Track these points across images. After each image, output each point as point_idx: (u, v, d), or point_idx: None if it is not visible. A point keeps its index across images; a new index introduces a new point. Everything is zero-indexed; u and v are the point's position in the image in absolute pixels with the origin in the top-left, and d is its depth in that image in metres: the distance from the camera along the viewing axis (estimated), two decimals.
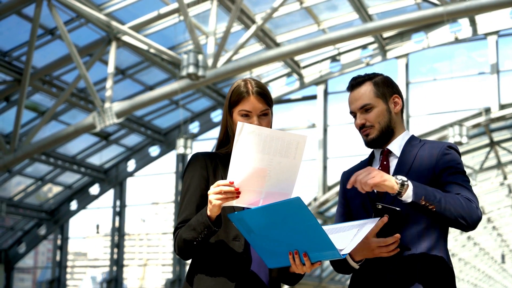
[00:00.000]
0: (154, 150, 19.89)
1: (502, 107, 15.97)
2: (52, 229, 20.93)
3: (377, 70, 17.98)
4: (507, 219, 31.81)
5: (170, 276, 19.81)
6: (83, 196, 20.63)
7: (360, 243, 2.61)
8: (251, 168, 2.48)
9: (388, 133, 2.87)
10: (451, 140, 14.18)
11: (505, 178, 22.44)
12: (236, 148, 2.48)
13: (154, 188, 33.60)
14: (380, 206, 2.58)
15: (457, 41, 16.25)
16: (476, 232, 33.36)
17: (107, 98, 13.48)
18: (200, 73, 10.90)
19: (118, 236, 20.20)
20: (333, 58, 17.52)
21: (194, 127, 19.49)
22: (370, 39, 16.59)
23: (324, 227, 2.53)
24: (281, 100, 18.42)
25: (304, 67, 17.69)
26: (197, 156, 2.80)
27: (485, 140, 19.16)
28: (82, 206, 20.71)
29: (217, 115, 19.16)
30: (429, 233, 2.75)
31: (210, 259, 2.68)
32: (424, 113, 17.64)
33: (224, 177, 2.69)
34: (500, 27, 15.78)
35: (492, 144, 19.16)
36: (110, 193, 20.47)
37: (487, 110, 16.17)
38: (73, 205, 20.79)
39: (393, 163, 2.85)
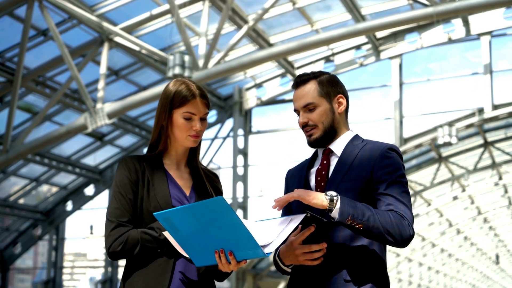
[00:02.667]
0: None
1: (495, 107, 15.97)
2: (47, 229, 20.94)
3: (371, 71, 18.06)
4: (504, 219, 31.84)
5: None
6: (78, 197, 20.63)
7: (286, 249, 2.67)
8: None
9: (331, 133, 2.87)
10: (440, 141, 14.20)
11: (500, 178, 22.46)
12: None
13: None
14: (309, 215, 2.56)
15: (450, 41, 16.26)
16: (473, 232, 33.43)
17: (99, 99, 13.50)
18: (186, 74, 10.91)
19: None
20: (327, 59, 17.53)
21: None
22: (363, 39, 16.61)
23: (252, 223, 2.60)
24: (275, 101, 18.45)
25: (298, 68, 17.69)
26: (125, 159, 2.82)
27: (479, 141, 19.18)
28: (77, 207, 20.71)
29: (211, 116, 19.15)
30: (360, 236, 2.71)
31: (142, 260, 2.71)
32: (417, 113, 17.67)
33: (151, 180, 2.76)
34: (493, 28, 15.77)
35: (486, 145, 19.19)
36: (105, 194, 20.49)
37: (480, 111, 16.18)
38: (69, 205, 20.79)
39: (333, 162, 2.85)
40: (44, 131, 16.24)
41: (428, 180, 21.30)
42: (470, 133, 18.39)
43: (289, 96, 18.34)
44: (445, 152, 19.57)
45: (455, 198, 23.37)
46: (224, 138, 19.03)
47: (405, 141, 16.89)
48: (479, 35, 16.02)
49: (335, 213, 2.56)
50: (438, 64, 18.05)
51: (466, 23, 15.73)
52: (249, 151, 18.63)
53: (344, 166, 2.79)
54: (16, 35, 13.48)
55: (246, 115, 18.48)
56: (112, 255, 2.70)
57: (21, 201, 20.35)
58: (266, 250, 2.51)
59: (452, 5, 11.27)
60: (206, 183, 2.92)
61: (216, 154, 19.01)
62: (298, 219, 2.61)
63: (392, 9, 14.89)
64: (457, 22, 15.85)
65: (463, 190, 22.91)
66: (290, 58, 17.19)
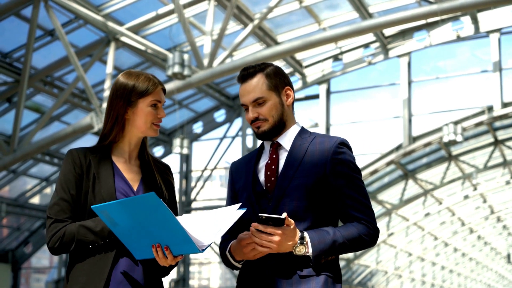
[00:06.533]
0: (158, 150, 19.95)
1: (504, 105, 15.84)
2: None
3: (379, 69, 17.98)
4: None
5: (174, 276, 19.83)
6: None
7: (237, 244, 2.66)
8: None
9: (280, 126, 2.82)
10: (445, 139, 14.11)
11: None
12: None
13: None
14: (264, 217, 2.50)
15: (459, 39, 16.16)
16: (486, 231, 33.21)
17: (105, 98, 13.54)
18: (186, 72, 10.90)
19: None
20: (335, 57, 17.49)
21: (197, 127, 19.54)
22: (372, 38, 16.56)
23: (192, 218, 2.60)
24: None
25: (306, 67, 17.66)
26: (71, 152, 2.82)
27: (489, 139, 19.04)
28: None
29: (220, 115, 19.19)
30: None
31: (84, 254, 2.70)
32: (426, 112, 17.57)
33: (96, 174, 2.76)
34: (503, 25, 15.66)
35: (497, 143, 19.04)
36: None
37: (490, 109, 16.06)
38: None
39: (283, 156, 2.81)
40: (53, 131, 16.32)
41: (438, 179, 21.18)
42: (480, 131, 18.25)
43: (298, 95, 18.31)
44: (455, 150, 19.45)
45: (466, 197, 23.22)
46: (233, 138, 19.03)
47: (414, 139, 16.81)
48: (488, 32, 15.90)
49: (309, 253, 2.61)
50: (447, 62, 17.95)
51: (475, 21, 15.63)
52: None
53: (295, 161, 2.75)
54: (23, 35, 13.54)
55: None
56: (52, 250, 2.71)
57: (32, 200, 20.45)
58: (201, 247, 2.52)
59: (457, 2, 11.18)
60: (156, 176, 2.91)
61: (225, 154, 19.04)
62: (237, 215, 2.59)
63: (400, 7, 14.80)
64: (466, 19, 15.76)
65: (475, 189, 22.75)
66: (298, 57, 17.18)
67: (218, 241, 2.55)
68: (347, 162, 2.74)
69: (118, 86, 2.83)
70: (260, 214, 2.50)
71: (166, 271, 2.84)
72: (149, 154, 2.97)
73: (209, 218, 2.62)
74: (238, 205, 2.64)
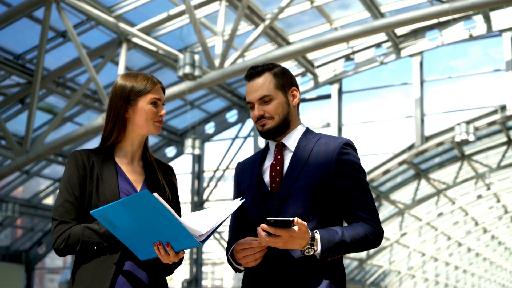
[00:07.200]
0: (170, 151, 19.98)
1: None
2: None
3: (391, 68, 17.91)
4: None
5: (187, 276, 19.86)
6: None
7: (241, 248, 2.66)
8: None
9: (284, 126, 2.83)
10: (457, 139, 14.04)
11: None
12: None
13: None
14: (272, 220, 2.49)
15: (471, 38, 16.08)
16: (500, 231, 33.02)
17: None
18: (197, 73, 10.92)
19: None
20: (347, 57, 17.46)
21: (210, 127, 19.57)
22: (383, 37, 16.52)
23: (191, 213, 2.63)
24: None
25: (318, 67, 17.65)
26: (74, 154, 2.85)
27: (502, 138, 18.93)
28: None
29: (232, 116, 19.21)
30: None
31: (89, 255, 2.72)
32: (439, 111, 17.49)
33: (100, 175, 2.78)
34: None
35: (510, 142, 18.93)
36: None
37: (503, 108, 15.98)
38: None
39: (288, 157, 2.81)
40: (66, 132, 16.40)
41: (451, 179, 21.09)
42: (493, 131, 18.14)
43: (310, 95, 18.31)
44: (467, 150, 19.36)
45: (479, 196, 23.11)
46: (245, 138, 19.05)
47: (427, 139, 16.75)
48: (501, 31, 15.83)
49: (318, 252, 2.60)
50: (459, 61, 17.86)
51: (487, 20, 15.56)
52: None
53: (300, 162, 2.76)
54: (35, 37, 13.60)
55: None
56: (57, 251, 2.74)
57: (45, 201, 20.55)
58: (200, 238, 2.54)
59: (468, 1, 11.12)
60: (160, 177, 2.92)
61: (237, 154, 19.05)
62: (234, 206, 2.62)
63: (412, 6, 14.75)
64: (478, 18, 15.69)
65: (488, 189, 22.64)
66: (310, 57, 17.16)
67: (219, 237, 2.56)
68: (352, 163, 2.75)
69: (117, 87, 2.87)
70: (268, 218, 2.49)
71: (171, 270, 2.86)
72: (152, 155, 2.99)
73: (207, 212, 2.65)
74: (238, 199, 2.66)
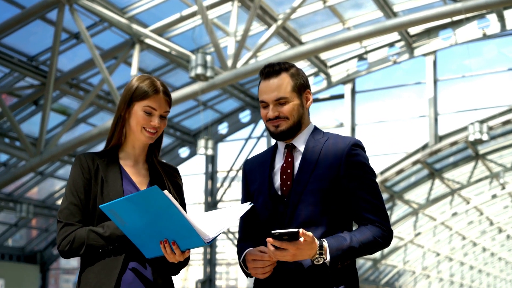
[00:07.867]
0: (183, 152, 20.01)
1: None
2: None
3: (405, 68, 17.82)
4: None
5: (201, 276, 19.88)
6: None
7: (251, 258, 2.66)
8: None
9: (297, 128, 2.81)
10: (471, 138, 13.98)
11: None
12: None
13: (184, 189, 34.01)
14: (277, 233, 2.47)
15: (485, 37, 15.99)
16: None
17: None
18: (209, 73, 10.92)
19: None
20: (360, 57, 17.41)
21: (223, 128, 19.58)
22: (396, 37, 16.46)
23: (200, 213, 2.66)
24: None
25: (331, 66, 17.61)
26: (79, 158, 2.85)
27: None
28: None
29: (245, 116, 19.21)
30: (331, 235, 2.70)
31: (94, 258, 2.74)
32: (453, 110, 17.41)
33: (104, 177, 2.79)
34: None
35: None
36: None
37: None
38: None
39: (298, 158, 2.80)
40: (80, 133, 16.46)
41: (465, 178, 20.99)
42: (507, 130, 18.04)
43: (322, 95, 18.27)
44: (482, 149, 19.25)
45: (494, 196, 22.99)
46: (258, 138, 19.05)
47: (440, 138, 16.69)
48: None
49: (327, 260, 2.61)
50: (473, 60, 17.77)
51: (501, 18, 15.46)
52: None
53: (310, 164, 2.75)
54: (48, 38, 13.67)
55: None
56: (62, 254, 2.75)
57: (60, 202, 20.61)
58: (206, 240, 2.54)
59: (481, 0, 11.05)
60: (164, 179, 2.92)
61: (250, 154, 19.04)
62: (243, 210, 2.63)
63: (425, 5, 14.67)
64: (492, 17, 15.60)
65: (503, 188, 22.52)
66: (323, 56, 17.13)
67: (223, 235, 2.57)
68: (361, 164, 2.74)
69: (126, 88, 2.88)
70: (273, 232, 2.47)
71: (176, 269, 2.86)
72: (156, 158, 2.98)
73: (215, 214, 2.66)
74: (247, 204, 2.66)
